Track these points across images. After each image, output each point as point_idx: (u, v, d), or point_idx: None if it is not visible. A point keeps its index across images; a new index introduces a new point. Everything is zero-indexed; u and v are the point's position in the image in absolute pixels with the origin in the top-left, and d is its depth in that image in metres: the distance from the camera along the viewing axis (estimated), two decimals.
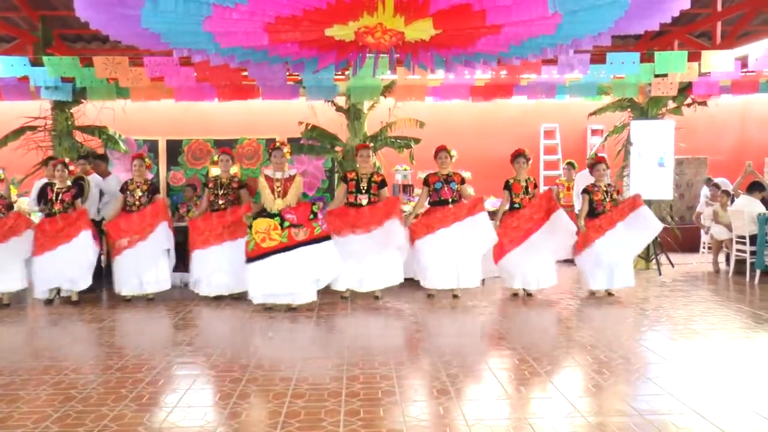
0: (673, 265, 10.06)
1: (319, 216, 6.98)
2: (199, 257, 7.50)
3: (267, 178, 7.15)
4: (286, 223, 6.86)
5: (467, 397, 4.24)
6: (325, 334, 6.11)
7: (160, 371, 4.87)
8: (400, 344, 5.85)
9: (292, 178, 7.16)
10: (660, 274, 9.44)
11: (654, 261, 9.76)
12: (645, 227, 7.67)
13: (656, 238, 9.74)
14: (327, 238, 6.92)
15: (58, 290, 7.62)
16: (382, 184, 7.52)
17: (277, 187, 7.07)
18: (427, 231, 7.41)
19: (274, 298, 6.93)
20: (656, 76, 8.89)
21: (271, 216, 6.93)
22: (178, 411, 4.04)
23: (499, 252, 7.58)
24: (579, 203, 9.89)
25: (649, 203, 10.14)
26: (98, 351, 5.62)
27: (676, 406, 3.99)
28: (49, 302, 7.59)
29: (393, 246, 7.25)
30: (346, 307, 7.13)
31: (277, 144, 7.27)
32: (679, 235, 10.63)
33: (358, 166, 7.63)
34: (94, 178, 8.49)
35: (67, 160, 7.94)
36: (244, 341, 5.91)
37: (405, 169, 10.32)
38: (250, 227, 6.91)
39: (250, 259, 6.85)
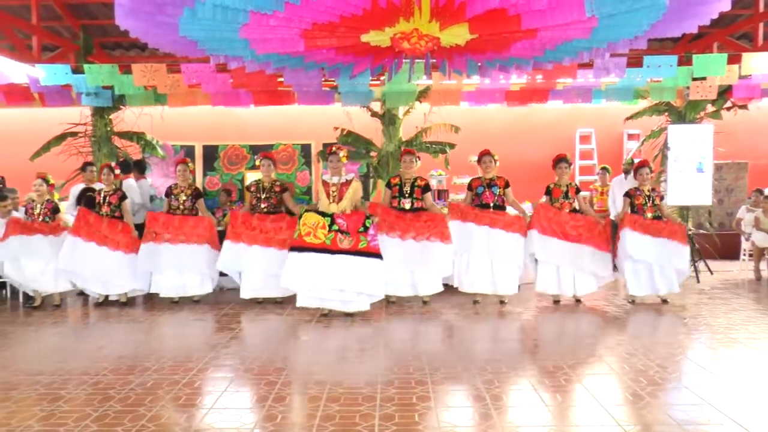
0: (711, 273, 9.88)
1: (370, 231, 6.85)
2: (228, 249, 7.45)
3: (324, 183, 7.15)
4: (335, 227, 6.82)
5: (503, 403, 4.21)
6: (360, 338, 6.11)
7: (197, 373, 4.93)
8: (435, 349, 5.82)
9: (348, 183, 7.11)
10: (698, 281, 9.27)
11: (692, 268, 9.58)
12: (676, 261, 7.50)
13: (694, 244, 9.61)
14: (375, 255, 6.81)
15: (107, 296, 7.80)
16: (426, 188, 7.49)
17: (333, 191, 7.04)
18: (459, 217, 7.44)
19: (327, 303, 6.86)
20: (694, 79, 8.76)
21: (323, 214, 6.90)
22: (215, 413, 4.08)
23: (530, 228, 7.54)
24: (614, 209, 9.81)
25: (687, 209, 10.03)
26: (136, 352, 5.70)
27: (715, 417, 3.91)
28: (98, 305, 7.76)
29: (435, 266, 7.25)
30: (381, 312, 7.13)
31: (334, 148, 7.24)
32: (718, 242, 10.44)
33: (401, 170, 7.63)
34: (128, 182, 8.65)
35: (113, 164, 8.13)
36: (279, 344, 5.94)
37: (440, 174, 10.31)
38: (300, 217, 6.92)
39: (291, 248, 6.85)
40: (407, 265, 7.25)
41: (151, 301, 7.88)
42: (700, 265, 9.74)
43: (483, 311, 7.23)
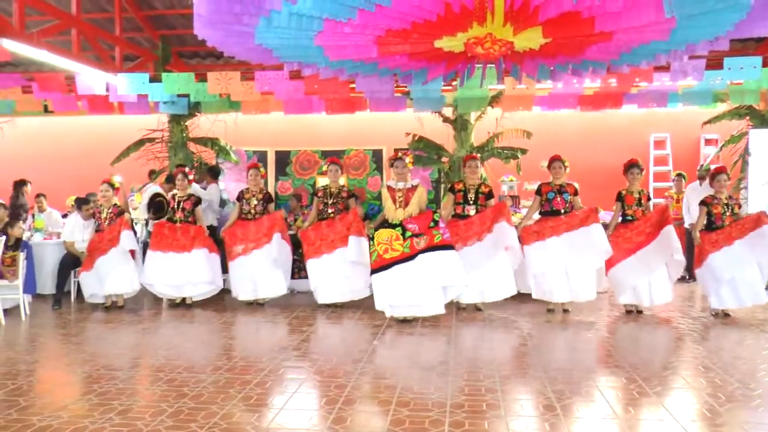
0: None
1: (441, 224, 6.85)
2: (313, 267, 7.58)
3: (389, 188, 7.16)
4: (408, 233, 6.81)
5: (574, 414, 4.12)
6: (430, 345, 6.09)
7: (268, 374, 5.01)
8: (505, 357, 5.76)
9: (414, 189, 7.10)
10: None
11: None
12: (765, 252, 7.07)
13: None
14: (449, 247, 6.77)
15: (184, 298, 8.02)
16: (490, 195, 7.46)
17: (399, 197, 7.05)
18: (537, 238, 7.29)
19: (400, 310, 6.83)
20: None
21: (393, 226, 6.92)
22: (285, 413, 4.15)
23: (609, 263, 7.34)
24: (689, 217, 9.46)
25: None
26: (208, 352, 5.85)
27: None
28: (174, 305, 7.98)
29: (504, 245, 7.16)
30: (451, 318, 7.09)
31: (399, 154, 7.28)
32: None
33: (464, 176, 7.59)
34: (194, 187, 8.88)
35: (187, 169, 8.33)
36: (349, 347, 5.98)
37: (511, 180, 10.20)
38: (373, 238, 6.93)
39: (374, 271, 6.84)
40: (471, 271, 7.07)
41: (223, 302, 8.04)
42: None
43: (554, 319, 7.11)
